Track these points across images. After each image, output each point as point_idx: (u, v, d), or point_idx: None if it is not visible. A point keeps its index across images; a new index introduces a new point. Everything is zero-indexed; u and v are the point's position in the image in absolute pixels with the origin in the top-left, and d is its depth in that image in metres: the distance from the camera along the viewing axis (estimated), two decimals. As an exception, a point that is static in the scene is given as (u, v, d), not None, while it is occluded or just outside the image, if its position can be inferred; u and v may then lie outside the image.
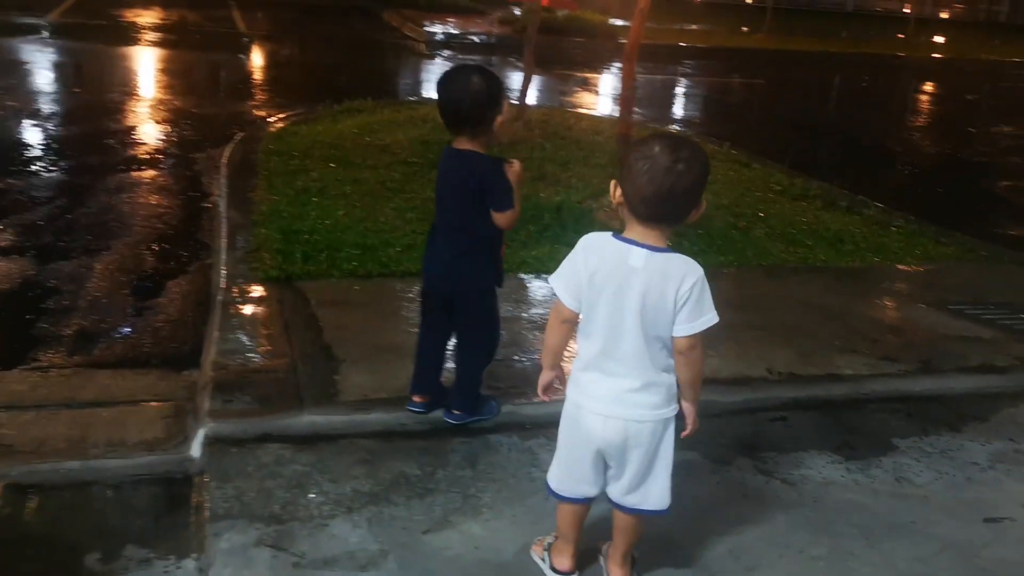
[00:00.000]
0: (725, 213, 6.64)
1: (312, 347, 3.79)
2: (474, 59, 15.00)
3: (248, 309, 4.25)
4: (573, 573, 2.50)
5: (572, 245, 5.99)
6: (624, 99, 6.45)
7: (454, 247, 3.11)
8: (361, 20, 17.40)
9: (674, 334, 2.21)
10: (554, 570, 2.49)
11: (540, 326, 4.23)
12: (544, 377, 2.48)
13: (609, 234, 2.25)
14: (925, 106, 14.90)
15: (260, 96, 10.60)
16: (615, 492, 2.38)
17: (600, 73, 14.68)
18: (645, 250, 2.18)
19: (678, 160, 2.12)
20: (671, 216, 2.20)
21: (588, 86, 13.70)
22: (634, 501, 2.37)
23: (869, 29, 23.01)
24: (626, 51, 6.25)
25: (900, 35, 21.91)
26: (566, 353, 2.51)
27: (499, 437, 3.18)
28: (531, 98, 11.47)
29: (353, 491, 2.79)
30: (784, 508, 2.89)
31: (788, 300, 4.85)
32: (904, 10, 27.15)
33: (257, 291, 4.43)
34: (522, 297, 4.66)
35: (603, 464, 2.36)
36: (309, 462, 2.92)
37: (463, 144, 3.09)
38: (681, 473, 2.99)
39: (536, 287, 4.84)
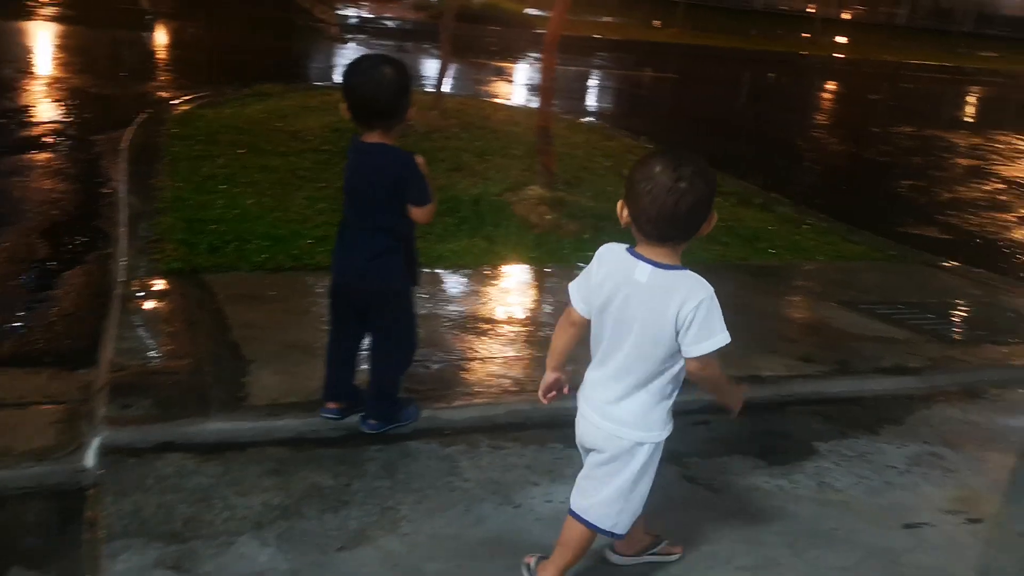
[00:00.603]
0: (642, 209, 6.62)
1: (219, 346, 3.59)
2: (388, 44, 14.72)
3: (149, 304, 4.01)
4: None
5: (490, 238, 5.89)
6: (544, 90, 6.36)
7: (370, 247, 2.96)
8: (271, 1, 16.89)
9: (684, 355, 2.18)
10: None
11: (459, 323, 4.11)
12: (546, 378, 2.45)
13: (624, 246, 2.24)
14: (830, 105, 15.28)
15: (164, 77, 10.15)
16: (574, 491, 2.37)
17: (517, 63, 14.58)
18: (651, 266, 2.17)
19: (680, 179, 2.08)
20: (679, 234, 2.17)
21: (505, 75, 13.58)
22: (578, 503, 2.33)
23: (776, 27, 23.47)
24: (546, 41, 6.16)
25: (805, 34, 22.41)
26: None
27: (418, 444, 3.05)
28: (448, 87, 11.30)
29: (262, 505, 2.62)
30: (710, 517, 2.84)
31: (707, 299, 4.83)
32: (808, 10, 27.83)
33: (159, 284, 4.19)
34: (440, 293, 4.53)
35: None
36: (215, 473, 2.74)
37: (375, 138, 2.94)
38: (606, 481, 2.94)
39: (454, 282, 4.72)
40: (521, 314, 4.36)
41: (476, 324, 4.14)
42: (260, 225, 5.15)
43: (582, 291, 2.29)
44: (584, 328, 2.32)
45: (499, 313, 4.32)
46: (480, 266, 5.00)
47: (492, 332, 4.07)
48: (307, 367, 3.35)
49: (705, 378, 2.24)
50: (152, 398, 3.12)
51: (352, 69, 2.97)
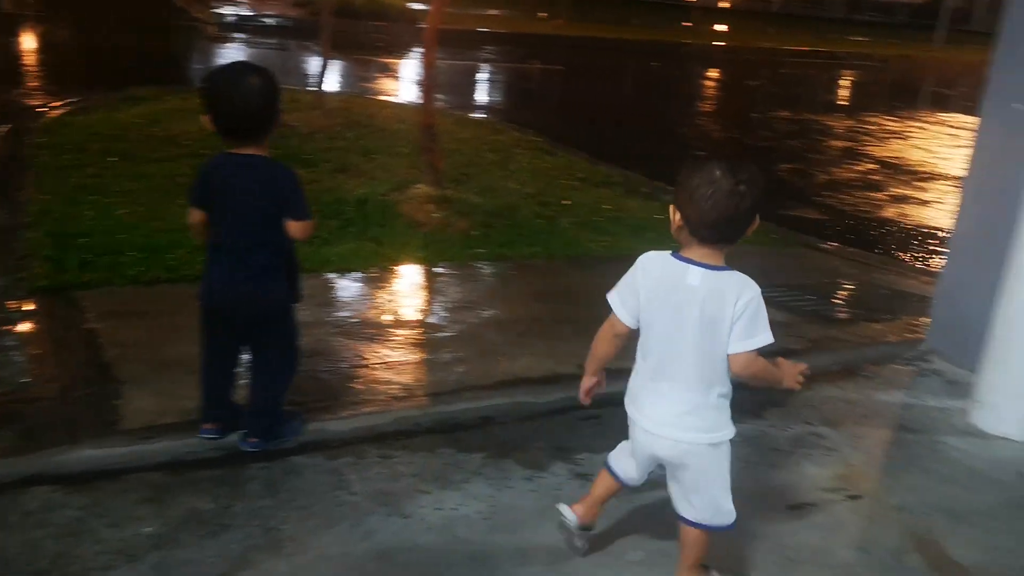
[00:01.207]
0: (531, 202, 6.64)
1: (89, 368, 3.42)
2: (269, 43, 14.39)
3: (13, 327, 3.79)
4: (577, 518, 2.56)
5: (377, 239, 5.80)
6: (426, 87, 6.29)
7: (252, 266, 2.85)
8: (145, 1, 16.28)
9: (729, 352, 2.22)
10: (569, 508, 2.57)
11: (346, 330, 4.03)
12: (585, 382, 2.53)
13: (668, 253, 2.29)
14: (712, 93, 15.65)
15: (30, 83, 9.67)
16: (674, 498, 2.44)
17: (401, 58, 14.44)
18: (703, 269, 2.22)
19: (739, 183, 2.17)
20: (731, 237, 2.24)
21: (389, 72, 13.44)
22: (688, 514, 2.41)
23: (657, 17, 23.93)
24: (426, 37, 6.08)
25: (686, 23, 22.93)
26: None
27: (303, 459, 2.95)
28: (331, 85, 11.10)
29: (136, 535, 2.50)
30: (602, 513, 2.83)
31: (596, 291, 4.80)
32: (688, -1, 28.49)
33: (24, 305, 3.97)
34: (326, 299, 4.43)
35: (650, 467, 2.48)
36: (84, 505, 2.59)
37: (248, 149, 2.83)
38: (496, 483, 2.93)
39: (340, 286, 4.61)
40: (410, 316, 4.29)
41: (364, 329, 4.06)
42: (134, 236, 4.95)
43: (628, 302, 2.33)
44: (628, 338, 2.37)
45: (387, 317, 4.25)
46: (367, 269, 4.91)
47: (380, 337, 4.00)
48: (185, 386, 3.22)
49: (750, 375, 2.28)
50: (16, 428, 2.95)
51: (216, 79, 2.84)
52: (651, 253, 2.32)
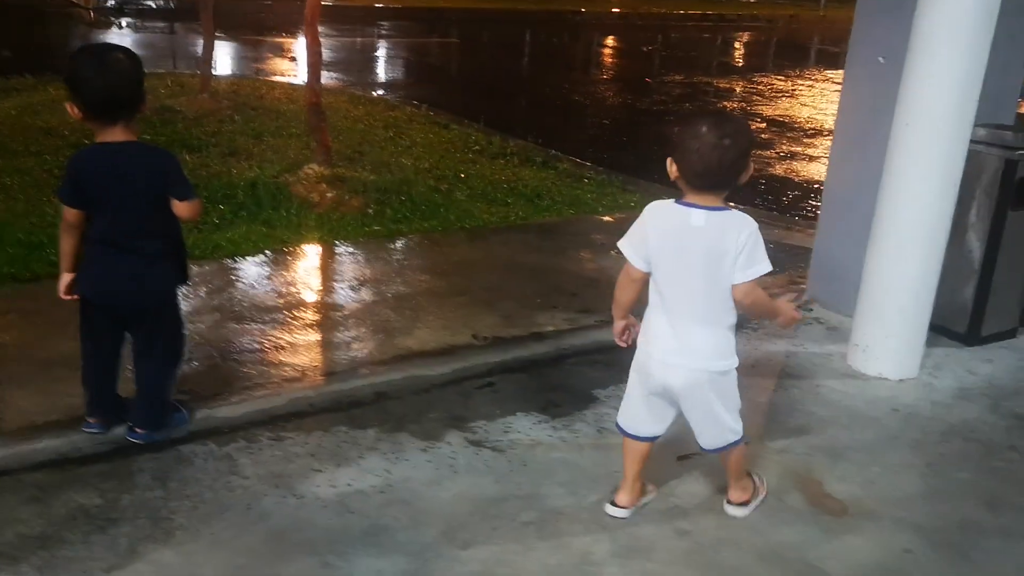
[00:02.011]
0: (426, 177, 6.63)
1: (-36, 371, 3.30)
2: (155, 27, 13.94)
3: None
4: (626, 508, 2.71)
5: (269, 222, 5.70)
6: (311, 66, 6.19)
7: (139, 256, 2.79)
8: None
9: (733, 282, 2.43)
10: (612, 503, 2.72)
11: (238, 316, 3.98)
12: (617, 326, 2.65)
13: (671, 201, 2.48)
14: (607, 60, 15.79)
15: None
16: (700, 437, 2.66)
17: (294, 37, 14.15)
18: (705, 211, 2.41)
19: (724, 136, 2.36)
20: (723, 185, 2.42)
21: (282, 52, 13.17)
22: (708, 442, 2.65)
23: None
24: (307, 17, 5.99)
25: (582, -9, 23.01)
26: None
27: (193, 447, 2.92)
28: (220, 67, 10.83)
29: (18, 537, 2.44)
30: (495, 478, 2.89)
31: (490, 262, 4.90)
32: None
33: None
34: (217, 286, 4.36)
35: (667, 408, 2.63)
36: (-39, 511, 2.52)
37: (119, 135, 2.76)
38: (391, 456, 2.95)
39: (231, 272, 4.54)
40: (304, 298, 4.26)
41: (256, 314, 4.02)
42: (11, 232, 4.78)
43: (639, 249, 2.49)
44: (646, 281, 2.53)
45: (280, 300, 4.21)
46: (259, 253, 4.85)
47: (273, 320, 3.96)
48: (68, 383, 3.13)
49: (751, 304, 2.49)
50: None
51: (81, 61, 2.76)
52: (656, 203, 2.52)
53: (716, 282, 2.43)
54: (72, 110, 2.73)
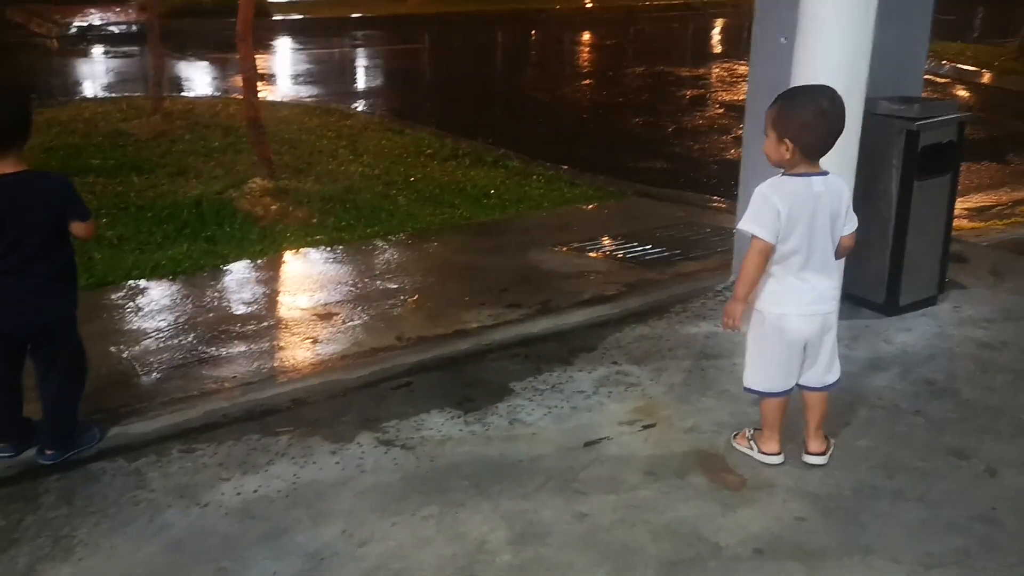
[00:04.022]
0: (375, 183, 6.68)
1: None
2: (117, 51, 13.97)
3: None
4: (780, 455, 2.96)
5: (212, 238, 5.72)
6: (246, 81, 6.24)
7: (36, 282, 2.84)
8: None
9: (844, 233, 2.83)
10: (765, 454, 2.97)
11: (165, 333, 4.02)
12: (740, 307, 2.82)
13: (782, 177, 2.77)
14: (571, 56, 15.82)
15: None
16: (813, 378, 2.92)
17: (257, 54, 14.17)
18: (820, 177, 2.76)
19: (839, 101, 2.73)
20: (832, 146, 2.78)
21: (239, 70, 13.18)
22: (830, 378, 2.94)
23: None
24: (239, 32, 6.03)
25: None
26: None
27: (102, 464, 2.97)
28: (176, 88, 10.86)
29: (-83, 563, 2.49)
30: (402, 475, 2.93)
31: (425, 264, 4.95)
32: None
33: None
34: (153, 306, 4.39)
35: (799, 359, 2.88)
36: None
37: (11, 166, 2.80)
38: (299, 460, 2.99)
39: (164, 291, 4.57)
40: (232, 311, 4.30)
41: (184, 330, 4.06)
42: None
43: (771, 225, 2.72)
44: (771, 255, 2.78)
45: (208, 315, 4.25)
46: (198, 270, 4.89)
47: (199, 335, 4.00)
48: (-17, 408, 3.18)
49: (848, 247, 2.88)
50: None
51: None
52: (772, 182, 2.77)
53: (835, 236, 2.80)
54: None
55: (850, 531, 2.65)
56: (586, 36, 17.31)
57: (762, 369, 2.93)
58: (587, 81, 12.86)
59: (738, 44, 16.12)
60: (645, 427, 3.23)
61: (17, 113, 2.83)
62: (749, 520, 2.70)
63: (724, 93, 11.64)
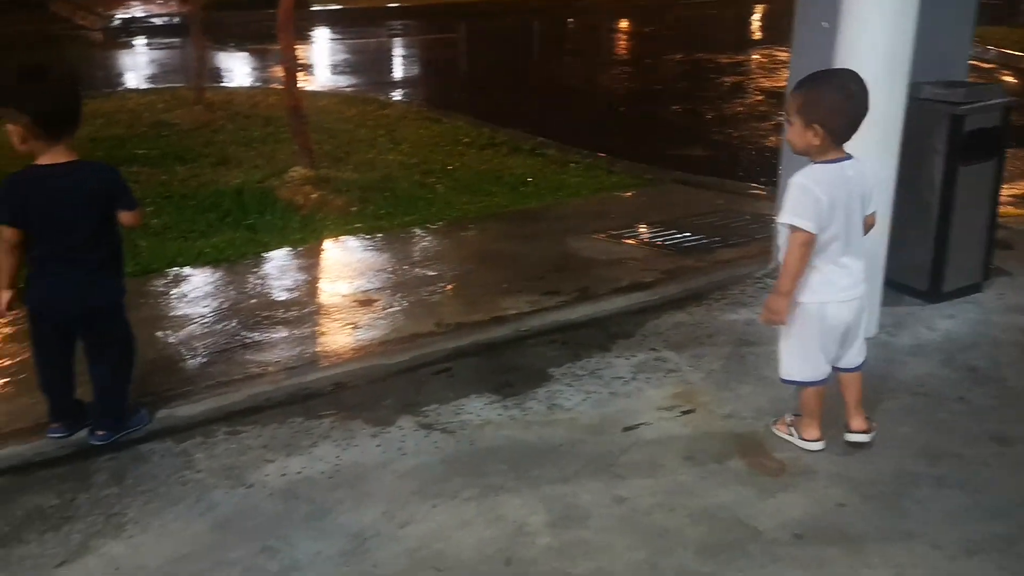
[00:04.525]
0: (412, 172, 6.72)
1: (-57, 387, 3.46)
2: (160, 43, 14.16)
3: None
4: (822, 440, 2.95)
5: (253, 227, 5.80)
6: (287, 71, 6.30)
7: (85, 269, 2.92)
8: (23, 14, 15.83)
9: (868, 212, 2.84)
10: (806, 440, 2.97)
11: (213, 320, 4.09)
12: (787, 302, 2.80)
13: (814, 167, 2.76)
14: (607, 44, 15.74)
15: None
16: (850, 359, 2.94)
17: (297, 44, 14.27)
18: (849, 161, 2.77)
19: (864, 84, 2.73)
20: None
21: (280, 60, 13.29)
22: (862, 358, 2.96)
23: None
24: (280, 22, 6.09)
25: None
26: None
27: (151, 445, 3.04)
28: (218, 78, 11.00)
29: (-24, 538, 2.58)
30: (441, 458, 2.97)
31: (463, 251, 4.98)
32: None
33: None
34: (197, 292, 4.47)
35: (836, 345, 2.89)
36: (-75, 517, 2.66)
37: (62, 155, 2.87)
38: (342, 443, 3.04)
39: (208, 277, 4.65)
40: (274, 297, 4.37)
41: (228, 316, 4.13)
42: None
43: (813, 215, 2.70)
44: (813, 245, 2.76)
45: (251, 300, 4.32)
46: (240, 258, 4.96)
47: (243, 321, 4.07)
48: (35, 391, 3.26)
49: (871, 225, 2.90)
50: None
51: (26, 80, 2.88)
52: (807, 171, 2.75)
53: (864, 217, 2.82)
54: (15, 132, 2.83)
55: (891, 517, 2.64)
56: (623, 23, 17.21)
57: (801, 359, 2.91)
58: (625, 69, 12.80)
59: (778, 30, 15.93)
60: (684, 413, 3.23)
61: (68, 104, 2.90)
62: (789, 505, 2.70)
63: (764, 79, 11.52)
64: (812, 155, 2.77)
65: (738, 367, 3.55)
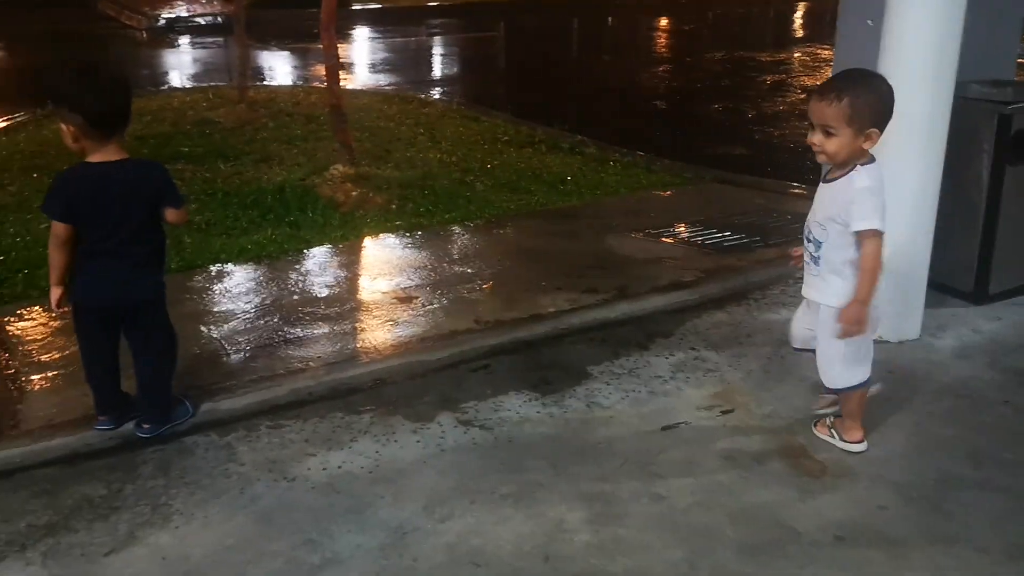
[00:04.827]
0: (452, 170, 6.75)
1: (-5, 378, 3.54)
2: (204, 42, 14.35)
3: (-76, 348, 3.90)
4: (864, 442, 2.94)
5: (295, 224, 5.86)
6: (329, 70, 6.36)
7: (130, 263, 2.97)
8: (72, 13, 16.14)
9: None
10: (848, 441, 2.94)
11: (255, 316, 4.14)
12: (867, 310, 2.75)
13: (871, 167, 2.74)
14: (648, 42, 15.67)
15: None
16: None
17: (341, 43, 14.38)
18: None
19: None
20: None
21: (323, 59, 13.40)
22: None
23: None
24: (323, 21, 6.15)
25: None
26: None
27: (195, 438, 3.09)
28: (261, 77, 11.13)
29: (28, 527, 2.63)
30: (480, 455, 2.99)
31: (502, 249, 5.00)
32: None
33: (-63, 326, 4.08)
34: (239, 288, 4.54)
35: None
36: (-23, 505, 2.73)
37: (113, 153, 2.93)
38: (382, 438, 3.07)
39: (250, 273, 4.71)
40: (315, 293, 4.41)
41: (269, 311, 4.19)
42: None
43: (885, 218, 2.72)
44: None
45: (292, 296, 4.37)
46: (282, 254, 5.02)
47: (283, 316, 4.12)
48: (82, 384, 3.33)
49: None
50: (-81, 442, 3.07)
51: (81, 79, 2.93)
52: (871, 175, 2.73)
53: None
54: (67, 131, 2.89)
55: (934, 520, 2.61)
56: (663, 21, 17.13)
57: (859, 363, 2.89)
58: (665, 67, 12.75)
59: (821, 27, 15.79)
60: (723, 412, 3.22)
61: (120, 103, 2.95)
62: (829, 507, 2.68)
63: (806, 78, 11.42)
64: (854, 160, 2.74)
65: (778, 367, 3.53)
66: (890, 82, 3.41)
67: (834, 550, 2.51)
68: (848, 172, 2.76)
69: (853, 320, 2.72)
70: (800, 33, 16.52)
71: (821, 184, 2.90)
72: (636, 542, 2.55)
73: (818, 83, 10.83)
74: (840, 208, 2.75)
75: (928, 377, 3.40)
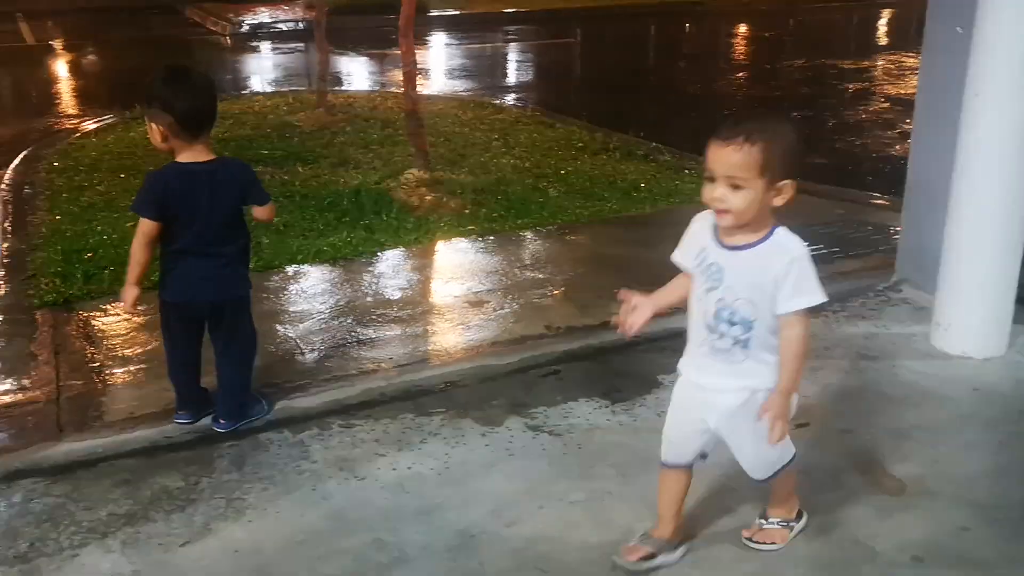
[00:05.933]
0: (526, 175, 6.77)
1: (81, 371, 3.66)
2: (287, 47, 14.67)
3: (16, 339, 4.06)
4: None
5: (370, 227, 5.93)
6: (407, 75, 6.43)
7: (218, 262, 3.05)
8: (160, 20, 16.68)
9: None
10: (799, 518, 2.58)
11: (330, 316, 4.20)
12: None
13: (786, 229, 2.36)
14: (726, 49, 15.48)
15: (50, 110, 10.04)
16: None
17: (418, 49, 14.55)
18: None
19: None
20: None
21: (400, 64, 13.57)
22: None
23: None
24: (400, 28, 6.22)
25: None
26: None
27: (270, 434, 3.15)
28: (339, 82, 11.31)
29: (109, 515, 2.72)
30: (549, 460, 2.98)
31: (575, 255, 4.99)
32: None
33: (29, 318, 4.24)
34: (315, 288, 4.62)
35: None
36: (63, 493, 2.82)
37: (202, 153, 3.01)
38: (451, 440, 3.09)
39: (327, 274, 4.79)
40: (389, 296, 4.47)
41: (344, 312, 4.25)
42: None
43: None
44: None
45: (367, 298, 4.43)
46: (357, 256, 5.09)
47: (357, 317, 4.18)
48: (166, 378, 3.43)
49: None
50: (8, 430, 3.20)
51: (172, 82, 3.02)
52: (800, 241, 2.36)
53: None
54: (157, 131, 2.98)
55: (1017, 544, 2.52)
56: (743, 28, 16.91)
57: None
58: (743, 74, 12.57)
59: (907, 35, 15.38)
60: (798, 426, 3.14)
61: (209, 104, 3.03)
62: (908, 526, 2.61)
63: (890, 86, 11.14)
64: (764, 220, 2.28)
65: (856, 382, 3.44)
66: (980, 93, 3.33)
67: (912, 570, 2.44)
68: (767, 236, 2.29)
69: (783, 414, 2.26)
70: (884, 40, 16.14)
71: (720, 251, 2.41)
72: (706, 555, 2.52)
73: (903, 92, 10.59)
74: (770, 279, 2.28)
75: (1015, 395, 3.28)
